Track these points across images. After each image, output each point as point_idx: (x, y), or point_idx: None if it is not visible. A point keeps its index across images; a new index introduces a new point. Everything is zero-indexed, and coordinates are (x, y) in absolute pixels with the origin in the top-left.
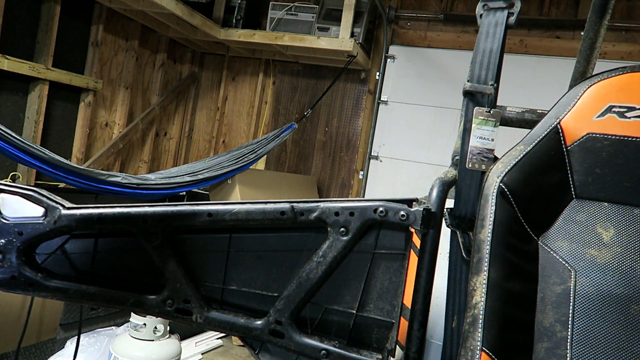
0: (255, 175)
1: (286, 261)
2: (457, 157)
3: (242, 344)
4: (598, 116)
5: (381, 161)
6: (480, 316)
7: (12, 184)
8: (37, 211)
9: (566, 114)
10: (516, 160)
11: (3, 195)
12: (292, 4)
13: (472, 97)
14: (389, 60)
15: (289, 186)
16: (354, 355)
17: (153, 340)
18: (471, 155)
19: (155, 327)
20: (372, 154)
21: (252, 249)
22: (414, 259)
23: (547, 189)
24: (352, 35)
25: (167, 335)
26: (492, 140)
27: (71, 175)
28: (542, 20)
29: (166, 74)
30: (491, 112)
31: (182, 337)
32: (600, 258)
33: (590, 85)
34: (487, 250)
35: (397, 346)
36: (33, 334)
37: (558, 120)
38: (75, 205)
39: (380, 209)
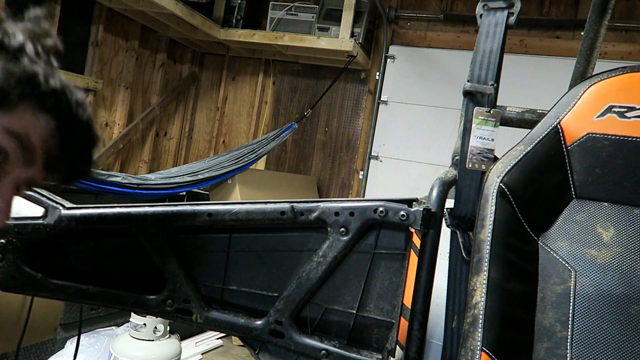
0: (255, 175)
1: (286, 261)
2: (457, 157)
3: (242, 344)
4: (598, 116)
5: (381, 161)
6: (480, 316)
7: None
8: (37, 211)
9: (566, 114)
10: (516, 160)
11: None
12: (292, 4)
13: (472, 97)
14: (389, 60)
15: (289, 186)
16: (354, 355)
17: (153, 340)
18: (471, 155)
19: (155, 327)
20: (372, 154)
21: (252, 249)
22: (414, 259)
23: (547, 189)
24: (352, 35)
25: (167, 335)
26: (492, 140)
27: None
28: (542, 20)
29: (166, 74)
30: (491, 112)
31: (182, 337)
32: (600, 258)
33: (590, 85)
34: (487, 250)
35: (397, 346)
36: (33, 334)
37: (558, 120)
38: (75, 205)
39: (380, 209)
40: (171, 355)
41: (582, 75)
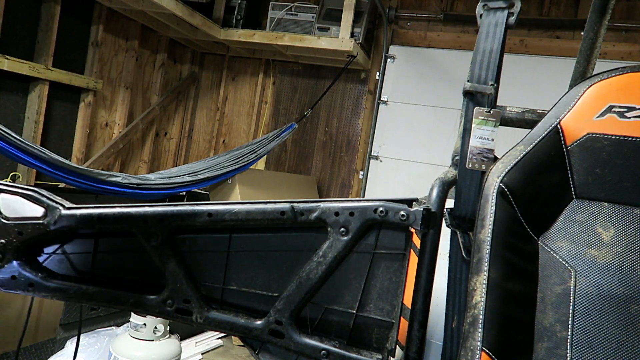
0: (255, 175)
1: (286, 261)
2: (457, 157)
3: (242, 344)
4: (598, 116)
5: (381, 161)
6: (480, 316)
7: (12, 184)
8: (37, 211)
9: (566, 114)
10: (516, 160)
11: (3, 195)
12: (292, 4)
13: (472, 97)
14: (389, 60)
15: (289, 186)
16: (354, 355)
17: (153, 340)
18: (471, 155)
19: (155, 327)
20: (372, 154)
21: (252, 249)
22: (414, 259)
23: (547, 189)
24: (352, 35)
25: (167, 335)
26: (492, 140)
27: (71, 175)
28: (542, 20)
29: (166, 74)
30: (491, 112)
31: (182, 337)
32: (600, 258)
33: (590, 85)
34: (487, 250)
35: (397, 346)
36: (33, 334)
37: (558, 120)
38: (75, 205)
39: (380, 209)
40: (171, 355)
41: (582, 75)
